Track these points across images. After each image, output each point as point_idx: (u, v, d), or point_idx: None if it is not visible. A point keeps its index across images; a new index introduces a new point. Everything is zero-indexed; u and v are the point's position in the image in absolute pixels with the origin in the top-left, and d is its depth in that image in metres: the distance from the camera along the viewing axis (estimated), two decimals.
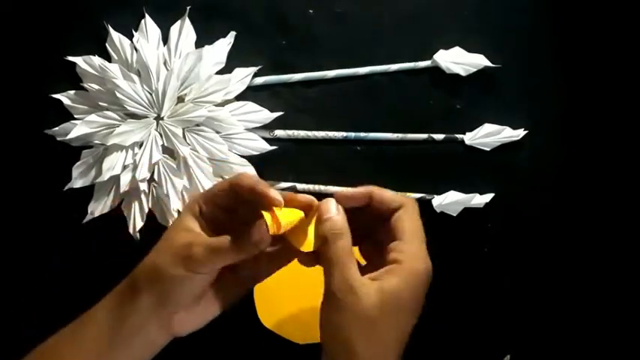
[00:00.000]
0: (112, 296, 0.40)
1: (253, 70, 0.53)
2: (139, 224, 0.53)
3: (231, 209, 0.41)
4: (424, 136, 0.54)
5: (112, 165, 0.51)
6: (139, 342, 0.39)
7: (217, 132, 0.52)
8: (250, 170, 0.53)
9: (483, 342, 0.55)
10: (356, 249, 0.41)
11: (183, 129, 0.52)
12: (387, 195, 0.39)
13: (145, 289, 0.38)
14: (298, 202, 0.40)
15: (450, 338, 0.55)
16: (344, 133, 0.54)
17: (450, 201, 0.53)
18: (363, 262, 0.41)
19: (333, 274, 0.36)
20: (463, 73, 0.53)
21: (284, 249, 0.41)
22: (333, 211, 0.38)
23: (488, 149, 0.54)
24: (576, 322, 0.55)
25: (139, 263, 0.40)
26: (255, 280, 0.43)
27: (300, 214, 0.39)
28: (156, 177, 0.52)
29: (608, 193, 0.54)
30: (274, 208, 0.37)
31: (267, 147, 0.53)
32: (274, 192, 0.38)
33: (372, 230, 0.40)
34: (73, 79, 0.53)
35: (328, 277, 0.36)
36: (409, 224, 0.38)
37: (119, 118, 0.52)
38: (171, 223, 0.43)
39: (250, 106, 0.53)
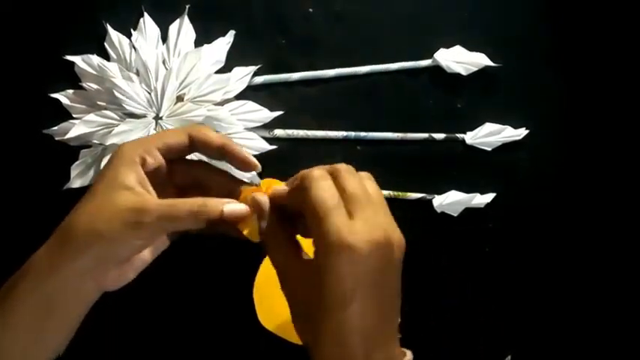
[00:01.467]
0: (39, 261, 0.36)
1: (253, 69, 0.53)
2: None
3: (179, 163, 0.39)
4: (425, 135, 0.54)
5: None
6: (74, 303, 0.37)
7: (217, 131, 0.51)
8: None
9: (484, 342, 0.55)
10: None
11: None
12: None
13: (83, 251, 0.35)
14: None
15: (451, 338, 0.55)
16: (344, 133, 0.54)
17: (450, 201, 0.53)
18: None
19: (322, 220, 0.33)
20: (464, 73, 0.53)
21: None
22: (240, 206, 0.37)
23: (489, 149, 0.54)
24: (577, 322, 0.55)
25: (64, 226, 0.36)
26: (184, 234, 0.41)
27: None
28: None
29: (609, 193, 0.54)
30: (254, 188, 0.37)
31: (266, 146, 0.53)
32: (251, 156, 0.38)
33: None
34: (71, 79, 0.52)
35: (317, 224, 0.34)
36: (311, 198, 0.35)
37: (118, 118, 0.51)
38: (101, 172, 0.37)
39: (250, 105, 0.53)
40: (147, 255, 0.39)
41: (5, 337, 0.35)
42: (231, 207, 0.35)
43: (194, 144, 0.39)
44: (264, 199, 0.37)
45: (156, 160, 0.38)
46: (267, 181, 0.40)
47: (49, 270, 0.36)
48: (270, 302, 0.51)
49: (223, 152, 0.39)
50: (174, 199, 0.36)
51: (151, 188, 0.37)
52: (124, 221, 0.35)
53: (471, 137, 0.54)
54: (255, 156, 0.51)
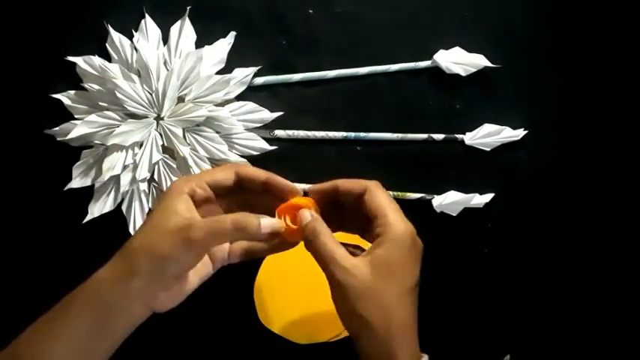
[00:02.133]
0: (99, 279, 0.39)
1: (253, 70, 0.53)
2: (140, 224, 0.53)
3: (226, 194, 0.43)
4: (424, 136, 0.54)
5: (112, 165, 0.51)
6: (124, 322, 0.39)
7: (217, 132, 0.52)
8: None
9: (483, 342, 0.55)
10: (356, 237, 0.45)
11: (183, 129, 0.52)
12: (349, 183, 0.43)
13: (139, 271, 0.38)
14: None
15: (450, 338, 0.55)
16: (344, 133, 0.54)
17: (449, 201, 0.53)
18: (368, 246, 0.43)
19: (327, 266, 0.40)
20: (463, 74, 0.53)
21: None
22: (308, 217, 0.42)
23: (488, 149, 0.54)
24: (576, 322, 0.55)
25: (124, 247, 0.40)
26: (228, 259, 0.44)
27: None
28: (156, 177, 0.52)
29: (608, 193, 0.54)
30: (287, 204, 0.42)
31: (267, 147, 0.53)
32: (291, 184, 0.43)
33: (360, 219, 0.43)
34: (73, 79, 0.53)
35: (325, 271, 0.40)
36: (378, 201, 0.42)
37: (119, 118, 0.52)
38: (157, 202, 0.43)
39: (250, 106, 0.53)
40: (194, 280, 0.42)
41: (58, 347, 0.38)
42: (267, 221, 0.40)
43: (240, 180, 0.43)
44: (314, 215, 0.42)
45: (205, 192, 0.42)
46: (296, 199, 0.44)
47: (109, 287, 0.38)
48: (271, 302, 0.52)
49: (268, 186, 0.43)
50: (218, 216, 0.40)
51: (197, 214, 0.41)
52: (174, 239, 0.38)
53: (470, 138, 0.54)
54: (255, 156, 0.53)
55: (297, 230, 0.42)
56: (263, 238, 0.40)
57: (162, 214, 0.40)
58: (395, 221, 0.41)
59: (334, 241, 0.40)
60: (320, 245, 0.40)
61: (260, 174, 0.43)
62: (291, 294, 0.51)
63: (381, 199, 0.42)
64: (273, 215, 0.42)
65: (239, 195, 0.44)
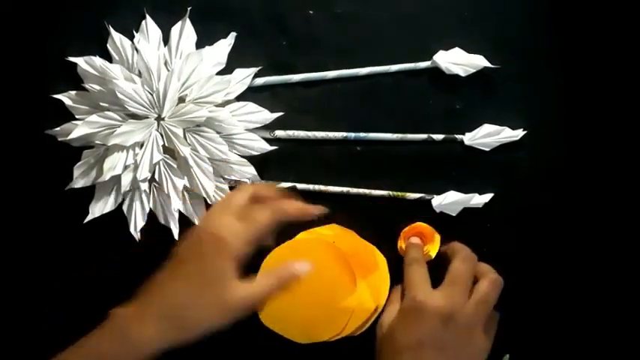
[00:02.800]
0: (138, 335, 0.40)
1: (254, 70, 0.53)
2: (140, 224, 0.53)
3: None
4: (424, 136, 0.54)
5: (113, 165, 0.51)
6: None
7: (218, 132, 0.52)
8: (250, 170, 0.53)
9: None
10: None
11: (184, 129, 0.52)
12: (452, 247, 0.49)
13: (191, 338, 0.41)
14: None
15: None
16: (344, 134, 0.54)
17: (449, 201, 0.53)
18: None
19: (411, 292, 0.45)
20: (462, 74, 0.53)
21: None
22: (415, 242, 0.51)
23: (487, 149, 0.54)
24: (576, 323, 0.54)
25: (175, 310, 0.41)
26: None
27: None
28: (157, 177, 0.52)
29: (608, 193, 0.54)
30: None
31: (267, 147, 0.53)
32: (313, 207, 0.47)
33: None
34: (74, 80, 0.53)
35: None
36: (450, 268, 0.47)
37: (120, 119, 0.52)
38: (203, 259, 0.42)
39: (251, 106, 0.53)
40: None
41: None
42: (301, 267, 0.43)
43: (278, 221, 0.45)
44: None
45: (253, 249, 0.43)
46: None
47: (147, 344, 0.40)
48: (271, 301, 0.52)
49: (301, 218, 0.46)
50: (259, 279, 0.42)
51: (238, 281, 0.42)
52: (232, 316, 0.41)
53: (469, 138, 0.54)
54: (255, 157, 0.53)
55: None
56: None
57: (218, 283, 0.40)
58: (434, 294, 0.45)
59: (427, 278, 0.47)
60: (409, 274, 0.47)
61: (292, 211, 0.45)
62: (292, 293, 0.51)
63: (453, 267, 0.47)
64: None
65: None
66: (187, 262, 0.41)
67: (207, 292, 0.40)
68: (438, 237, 0.53)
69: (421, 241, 0.53)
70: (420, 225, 0.53)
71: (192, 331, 0.40)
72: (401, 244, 0.52)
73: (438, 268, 0.49)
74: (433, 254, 0.53)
